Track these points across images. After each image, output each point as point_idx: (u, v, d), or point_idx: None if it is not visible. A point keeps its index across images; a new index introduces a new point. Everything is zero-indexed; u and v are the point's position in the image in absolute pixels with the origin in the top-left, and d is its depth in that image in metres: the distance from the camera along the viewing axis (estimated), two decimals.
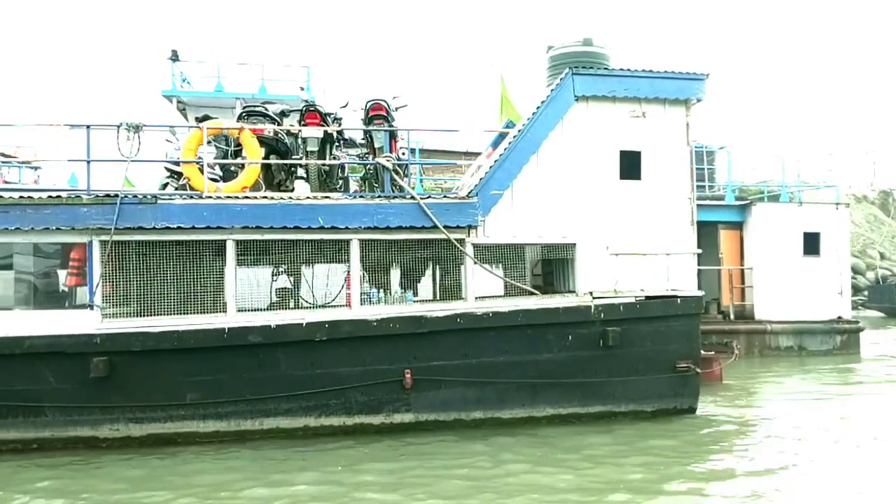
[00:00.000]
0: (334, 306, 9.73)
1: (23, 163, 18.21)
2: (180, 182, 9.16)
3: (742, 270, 17.83)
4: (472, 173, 11.78)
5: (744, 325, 17.23)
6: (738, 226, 18.03)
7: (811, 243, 17.85)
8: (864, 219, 42.37)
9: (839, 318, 17.92)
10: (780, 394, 12.32)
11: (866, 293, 32.06)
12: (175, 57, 19.19)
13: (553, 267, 10.49)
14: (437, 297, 10.38)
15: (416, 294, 10.01)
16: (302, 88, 10.51)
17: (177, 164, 10.15)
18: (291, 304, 10.05)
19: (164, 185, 10.32)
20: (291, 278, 10.28)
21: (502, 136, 11.81)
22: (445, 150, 27.66)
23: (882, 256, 38.19)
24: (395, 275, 10.22)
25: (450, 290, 9.89)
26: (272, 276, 10.27)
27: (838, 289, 18.05)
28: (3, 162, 18.43)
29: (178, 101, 19.27)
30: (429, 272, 10.96)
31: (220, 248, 8.81)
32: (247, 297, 9.49)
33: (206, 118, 10.16)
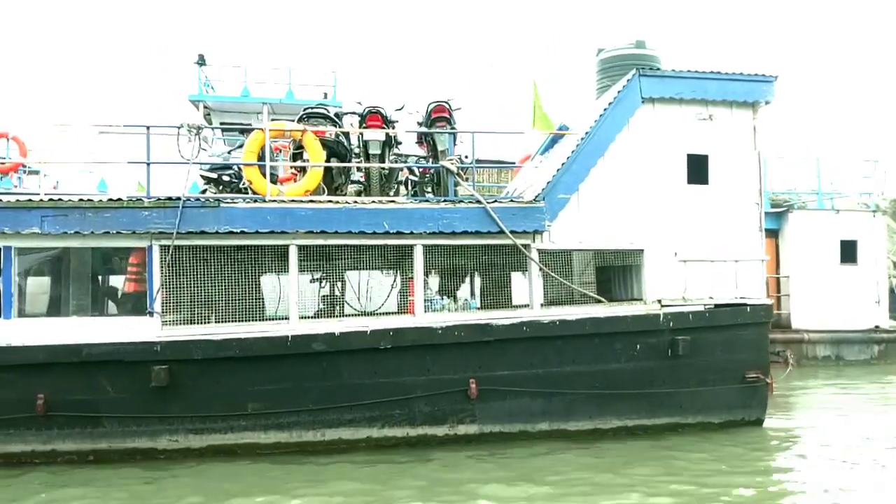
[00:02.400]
0: (383, 313, 9.45)
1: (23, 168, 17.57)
2: (242, 183, 8.85)
3: (778, 279, 17.58)
4: (524, 178, 11.51)
5: (780, 334, 16.91)
6: (774, 233, 17.76)
7: (848, 251, 17.64)
8: None
9: (877, 327, 17.69)
10: (837, 404, 12.03)
11: None
12: (202, 61, 18.98)
13: (611, 274, 10.22)
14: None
15: (456, 301, 9.73)
16: (359, 103, 10.26)
17: (212, 170, 9.93)
18: (337, 311, 9.80)
19: (203, 192, 10.06)
20: (338, 285, 10.04)
21: (554, 140, 11.62)
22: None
23: (895, 266, 37.95)
24: (433, 282, 9.96)
25: (495, 297, 9.58)
26: (319, 282, 10.03)
27: (875, 297, 17.83)
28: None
29: (205, 106, 19.03)
30: (468, 278, 10.67)
31: (280, 253, 8.56)
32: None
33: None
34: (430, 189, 10.76)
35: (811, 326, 17.21)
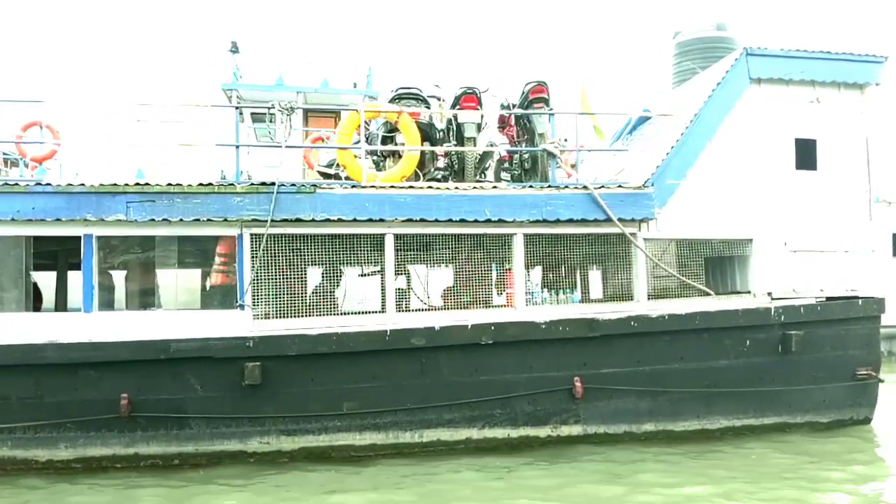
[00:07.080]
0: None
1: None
2: (336, 171, 8.26)
3: None
4: (614, 164, 10.94)
5: None
6: None
7: None
8: None
9: None
10: None
11: None
12: (235, 49, 18.31)
13: (708, 265, 9.67)
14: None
15: (560, 293, 9.19)
16: (437, 86, 9.71)
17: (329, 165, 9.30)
18: (403, 306, 9.25)
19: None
20: (405, 278, 9.50)
21: (641, 121, 11.09)
22: None
23: None
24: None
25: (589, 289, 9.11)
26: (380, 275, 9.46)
27: None
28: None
29: (237, 96, 18.36)
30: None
31: (377, 242, 8.01)
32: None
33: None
34: (509, 176, 10.21)
35: None
